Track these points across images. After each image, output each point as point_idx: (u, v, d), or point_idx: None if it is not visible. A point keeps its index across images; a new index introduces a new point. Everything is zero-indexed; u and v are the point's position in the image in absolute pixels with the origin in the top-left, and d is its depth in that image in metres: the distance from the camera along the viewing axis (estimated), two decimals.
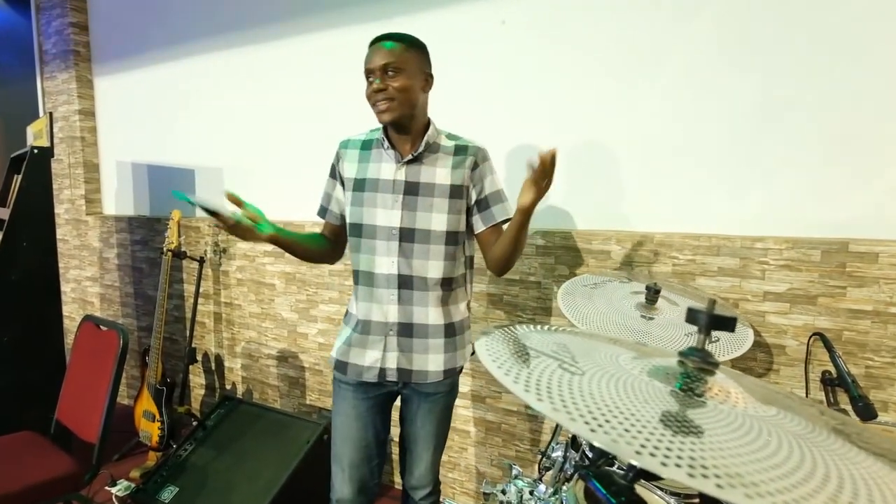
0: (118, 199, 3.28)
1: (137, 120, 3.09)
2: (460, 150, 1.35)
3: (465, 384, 2.12)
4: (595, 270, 1.81)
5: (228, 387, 2.84)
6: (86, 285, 3.42)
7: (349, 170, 1.37)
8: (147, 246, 3.04)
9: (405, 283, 1.33)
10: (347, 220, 1.38)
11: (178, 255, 2.56)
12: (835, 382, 1.40)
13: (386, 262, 1.32)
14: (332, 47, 2.29)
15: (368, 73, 1.26)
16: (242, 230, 1.25)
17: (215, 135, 2.76)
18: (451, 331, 1.38)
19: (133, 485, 2.27)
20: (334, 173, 1.44)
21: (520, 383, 0.45)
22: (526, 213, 1.23)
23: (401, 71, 1.24)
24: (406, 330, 1.34)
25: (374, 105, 1.27)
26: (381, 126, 1.35)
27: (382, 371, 1.35)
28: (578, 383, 0.45)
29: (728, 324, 0.47)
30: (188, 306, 2.90)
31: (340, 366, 1.39)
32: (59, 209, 3.44)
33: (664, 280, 1.68)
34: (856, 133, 1.47)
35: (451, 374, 1.39)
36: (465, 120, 2.02)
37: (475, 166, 1.34)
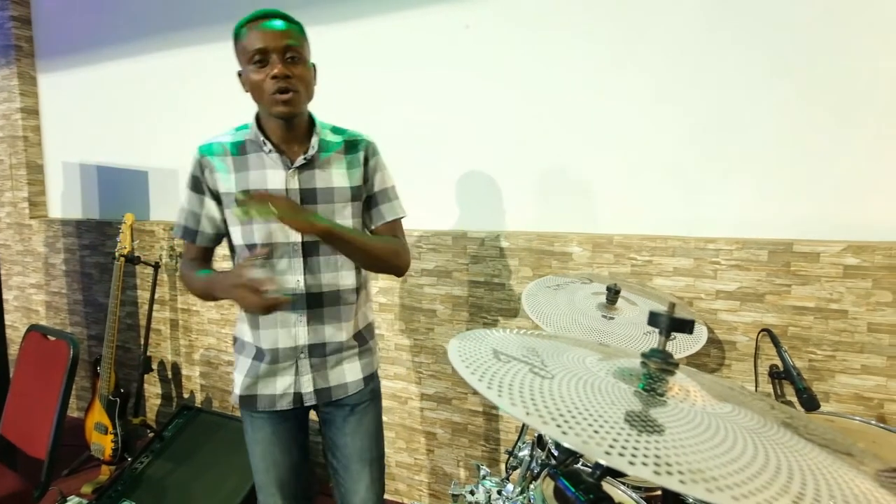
0: (65, 201, 3.12)
1: (85, 119, 2.95)
2: (351, 145, 1.23)
3: (430, 386, 2.13)
4: (558, 272, 1.85)
5: (186, 395, 2.75)
6: (30, 293, 3.24)
7: (225, 182, 1.16)
8: (97, 251, 2.91)
9: (314, 301, 1.20)
10: (235, 241, 1.20)
11: (132, 260, 2.46)
12: (781, 375, 1.49)
13: (290, 281, 1.18)
14: None
15: (260, 53, 1.06)
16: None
17: (170, 135, 2.67)
18: (363, 338, 1.31)
19: (85, 501, 2.17)
20: (199, 187, 1.18)
21: (493, 388, 0.46)
22: (322, 236, 1.11)
23: (300, 58, 1.10)
24: (318, 350, 1.23)
25: (270, 94, 1.08)
26: (247, 124, 1.19)
27: (298, 396, 1.23)
28: (549, 387, 0.46)
29: (686, 326, 0.50)
30: (142, 313, 2.79)
31: (247, 401, 1.23)
32: (1, 213, 3.25)
33: (623, 280, 1.74)
34: (800, 139, 1.56)
35: (371, 380, 1.33)
36: (427, 124, 2.03)
37: (366, 161, 1.24)
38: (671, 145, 1.70)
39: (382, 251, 1.22)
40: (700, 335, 1.38)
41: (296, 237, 1.17)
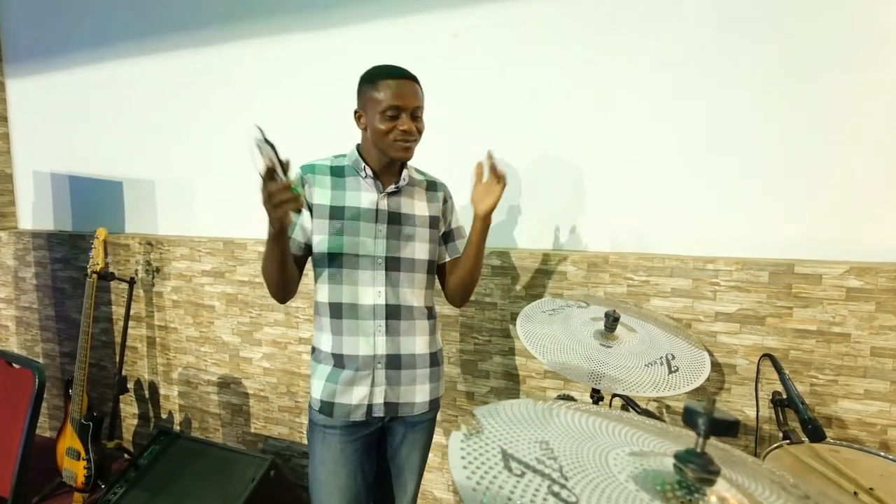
0: (36, 212, 2.99)
1: (56, 126, 2.82)
2: (432, 185, 1.40)
3: None
4: (552, 291, 1.78)
5: (165, 416, 2.64)
6: None
7: (321, 196, 1.28)
8: (69, 265, 2.78)
9: (393, 313, 1.29)
10: (321, 250, 1.28)
11: (105, 276, 2.35)
12: (784, 403, 1.43)
13: (371, 292, 1.28)
14: (271, 56, 2.16)
15: (396, 109, 1.21)
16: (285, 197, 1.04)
17: (146, 145, 2.56)
18: (436, 360, 1.38)
19: None
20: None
21: None
22: (486, 220, 1.32)
23: (421, 115, 1.26)
24: (394, 362, 1.30)
25: (394, 142, 1.23)
26: (345, 154, 1.34)
27: (370, 407, 1.28)
28: None
29: (731, 429, 0.43)
30: (118, 330, 2.67)
31: (326, 408, 1.28)
32: None
33: (620, 301, 1.67)
34: (801, 155, 1.51)
35: (436, 405, 1.39)
36: None
37: (446, 201, 1.41)
38: (668, 161, 1.65)
39: (481, 267, 1.40)
40: (703, 365, 1.32)
41: (380, 251, 1.27)
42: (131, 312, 2.51)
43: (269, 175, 1.00)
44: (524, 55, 1.78)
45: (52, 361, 2.96)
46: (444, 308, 1.95)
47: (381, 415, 1.30)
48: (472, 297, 1.90)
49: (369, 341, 1.28)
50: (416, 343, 1.33)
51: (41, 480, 2.41)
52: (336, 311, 1.29)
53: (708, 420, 0.42)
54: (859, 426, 1.49)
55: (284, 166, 1.01)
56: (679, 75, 1.61)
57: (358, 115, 1.30)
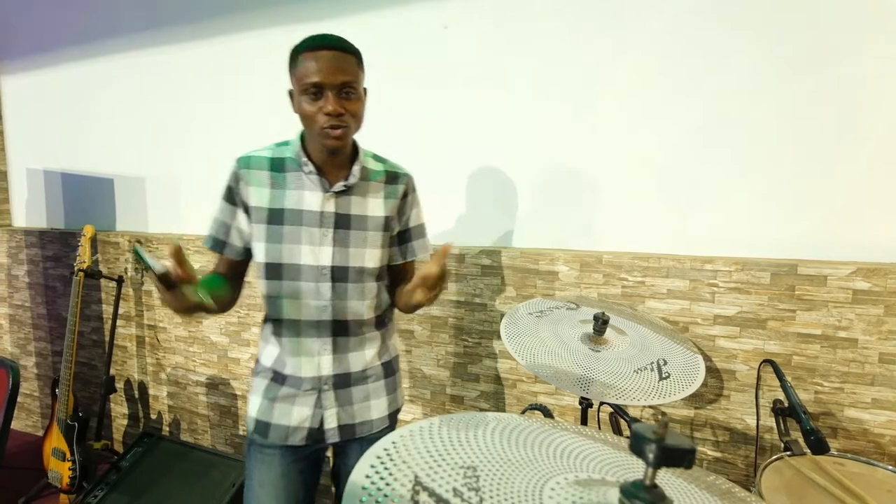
0: (29, 210, 2.96)
1: (50, 123, 2.79)
2: (392, 176, 1.21)
3: (408, 412, 1.98)
4: (543, 291, 1.71)
5: (154, 416, 2.60)
6: None
7: (258, 196, 1.12)
8: (60, 263, 2.75)
9: (340, 329, 1.16)
10: (260, 259, 1.13)
11: (92, 275, 2.31)
12: (786, 413, 1.35)
13: (315, 307, 1.13)
14: (260, 49, 2.11)
15: (316, 86, 1.02)
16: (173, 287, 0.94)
17: (137, 141, 2.52)
18: (391, 369, 1.27)
19: None
20: (233, 198, 1.14)
21: None
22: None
23: (356, 92, 1.06)
24: (343, 381, 1.17)
25: (321, 127, 1.04)
26: (288, 141, 1.16)
27: (315, 432, 1.15)
28: None
29: (684, 459, 0.36)
30: (108, 329, 2.63)
31: (262, 428, 1.16)
32: None
33: (613, 303, 1.60)
34: (805, 150, 1.43)
35: (395, 418, 1.28)
36: (401, 133, 1.89)
37: (406, 195, 1.22)
38: (665, 157, 1.57)
39: None
40: (698, 371, 1.24)
41: (325, 260, 1.12)
42: (120, 311, 2.47)
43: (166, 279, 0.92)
44: (516, 48, 1.71)
45: (44, 360, 2.93)
46: (432, 309, 1.88)
47: (337, 439, 1.17)
48: (462, 298, 1.84)
49: (313, 361, 1.15)
50: (367, 356, 1.20)
51: (29, 480, 2.37)
52: (277, 326, 1.16)
53: (658, 448, 0.35)
54: (866, 437, 1.40)
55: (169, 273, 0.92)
56: (676, 70, 1.53)
57: (290, 97, 1.12)
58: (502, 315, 1.77)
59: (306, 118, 1.06)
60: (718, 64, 1.48)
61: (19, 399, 2.07)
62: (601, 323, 1.28)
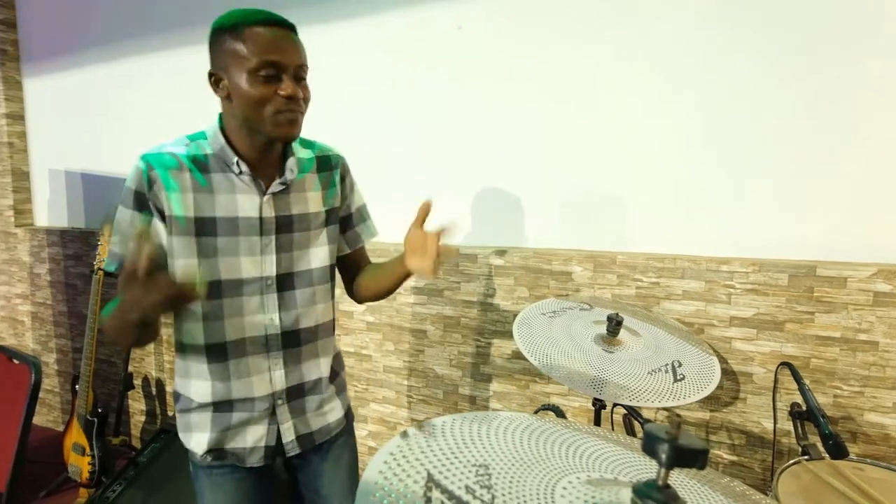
0: (51, 209, 3.02)
1: (71, 125, 2.85)
2: (323, 162, 1.10)
3: (420, 412, 1.99)
4: (556, 292, 1.70)
5: (171, 413, 2.64)
6: (16, 303, 3.15)
7: (180, 204, 0.94)
8: (81, 261, 2.80)
9: (291, 341, 1.05)
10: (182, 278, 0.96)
11: (112, 273, 2.35)
12: (804, 416, 1.33)
13: (261, 322, 1.02)
14: None
15: (273, 67, 0.90)
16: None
17: (155, 142, 2.55)
18: (338, 367, 1.19)
19: None
20: (144, 204, 0.94)
21: None
22: (411, 275, 1.07)
23: (305, 77, 0.97)
24: (297, 392, 1.08)
25: (274, 114, 0.92)
26: (201, 134, 1.01)
27: (273, 449, 1.06)
28: None
29: (697, 460, 0.36)
30: None
31: (215, 454, 1.04)
32: None
33: (627, 305, 1.59)
34: (825, 147, 1.40)
35: (350, 415, 1.21)
36: (416, 134, 1.89)
37: (343, 179, 1.13)
38: (680, 155, 1.55)
39: None
40: (713, 373, 1.23)
41: (270, 270, 1.01)
42: None
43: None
44: (529, 49, 1.70)
45: (64, 357, 2.99)
46: (444, 309, 1.89)
47: (297, 451, 1.09)
48: (474, 298, 1.84)
49: (264, 378, 1.04)
50: (321, 364, 1.12)
51: (49, 474, 2.42)
52: (219, 353, 1.00)
53: (671, 448, 0.35)
54: (887, 442, 1.37)
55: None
56: (692, 69, 1.51)
57: (215, 79, 0.96)
58: (515, 315, 1.76)
59: (255, 102, 0.91)
60: (735, 62, 1.46)
61: (41, 394, 2.12)
62: (615, 324, 1.27)
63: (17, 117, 3.02)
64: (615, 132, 1.62)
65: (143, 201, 0.94)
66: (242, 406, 1.03)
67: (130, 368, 2.53)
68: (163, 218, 0.95)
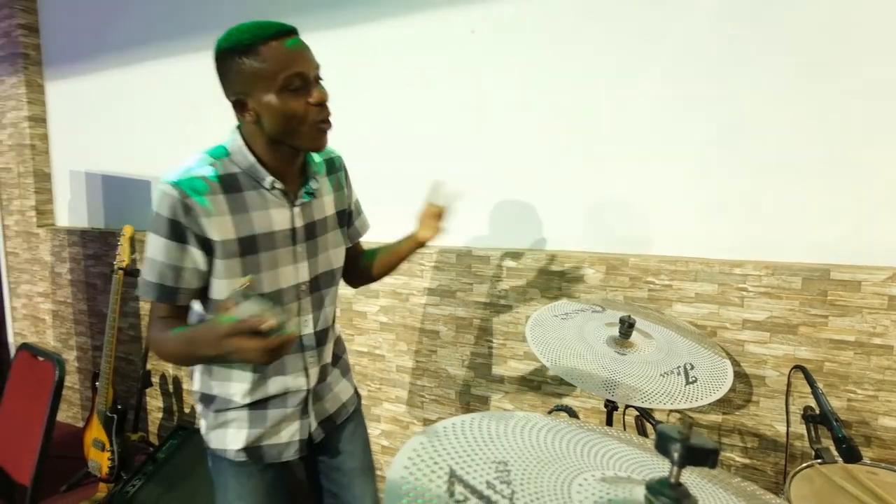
0: (71, 210, 3.09)
1: (92, 127, 2.92)
2: (330, 165, 1.15)
3: (433, 411, 2.01)
4: (568, 294, 1.72)
5: (188, 410, 2.69)
6: (37, 301, 3.22)
7: (221, 228, 0.94)
8: (100, 261, 2.87)
9: (321, 339, 1.12)
10: (217, 296, 0.99)
11: (131, 273, 2.40)
12: (817, 420, 1.33)
13: (296, 324, 1.07)
14: None
15: (300, 79, 0.91)
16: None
17: (174, 144, 2.61)
18: (340, 350, 1.26)
19: None
20: (182, 234, 0.93)
21: None
22: (421, 245, 1.21)
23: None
24: (320, 383, 1.16)
25: (313, 124, 0.94)
26: (220, 149, 1.00)
27: (305, 442, 1.12)
28: None
29: (708, 458, 0.37)
30: (144, 325, 2.73)
31: (252, 453, 1.08)
32: (9, 221, 3.24)
33: (641, 306, 1.59)
34: (838, 150, 1.40)
35: (358, 392, 1.30)
36: (430, 135, 1.91)
37: (346, 178, 1.21)
38: (692, 157, 1.56)
39: None
40: (725, 376, 1.23)
41: (304, 276, 1.07)
42: None
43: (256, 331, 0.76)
44: (541, 51, 1.72)
45: (84, 354, 3.06)
46: (457, 310, 1.91)
47: (323, 436, 1.16)
48: (486, 299, 1.85)
49: (300, 376, 1.09)
50: (332, 350, 1.20)
51: (70, 469, 2.48)
52: None
53: (683, 447, 0.37)
54: None
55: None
56: (703, 67, 1.51)
57: (241, 104, 0.95)
58: (527, 317, 1.78)
59: (290, 118, 0.92)
60: (748, 65, 1.46)
61: None
62: (627, 326, 1.28)
63: (39, 120, 3.09)
64: (628, 135, 1.63)
65: (180, 230, 0.93)
66: (276, 403, 1.08)
67: (148, 366, 2.58)
68: (201, 244, 0.95)
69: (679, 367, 1.22)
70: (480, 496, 0.38)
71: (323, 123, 0.96)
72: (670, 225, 1.60)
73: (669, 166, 1.58)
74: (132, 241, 2.42)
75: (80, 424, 3.10)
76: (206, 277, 0.98)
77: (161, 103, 2.61)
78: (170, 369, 2.72)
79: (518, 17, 1.73)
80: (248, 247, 0.98)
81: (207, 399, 1.10)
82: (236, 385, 1.05)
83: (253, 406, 1.07)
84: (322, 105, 0.94)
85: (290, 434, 1.10)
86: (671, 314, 1.58)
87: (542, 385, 1.80)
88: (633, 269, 1.62)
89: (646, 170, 1.61)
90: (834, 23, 1.37)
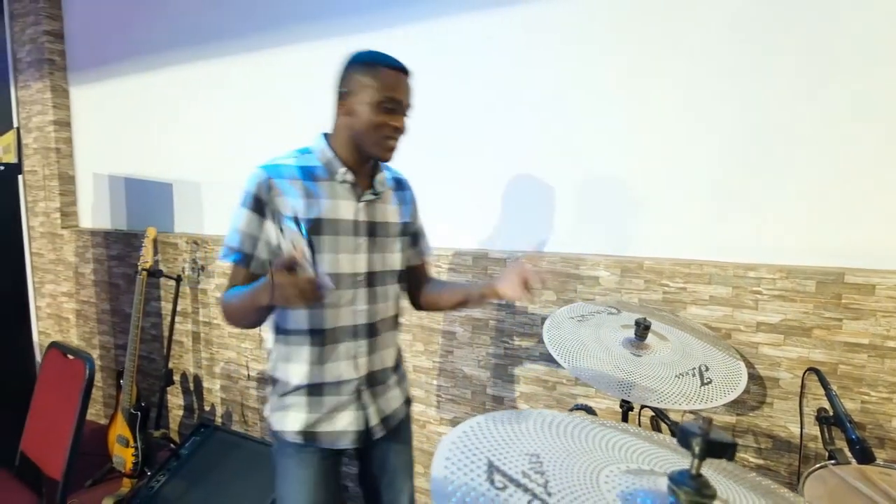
0: (95, 212, 3.17)
1: (114, 131, 3.00)
2: (399, 183, 1.32)
3: (449, 411, 2.05)
4: (583, 296, 1.75)
5: (207, 408, 2.75)
6: (61, 301, 3.31)
7: (293, 206, 1.11)
8: (123, 262, 2.94)
9: (373, 331, 1.22)
10: None
11: (154, 273, 2.47)
12: (830, 421, 1.35)
13: (351, 312, 1.18)
14: (314, 59, 2.21)
15: (394, 103, 1.10)
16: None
17: (194, 148, 2.67)
18: (399, 360, 1.37)
19: None
20: (262, 208, 1.11)
21: None
22: (496, 298, 1.19)
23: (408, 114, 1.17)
24: (374, 378, 1.24)
25: (382, 139, 1.12)
26: (308, 148, 1.19)
27: (362, 433, 1.21)
28: None
29: (726, 451, 0.41)
30: (166, 325, 2.80)
31: (308, 437, 1.18)
32: (34, 222, 3.34)
33: (655, 309, 1.62)
34: (852, 154, 1.42)
35: (409, 400, 1.39)
36: (447, 139, 1.95)
37: (413, 200, 1.35)
38: (707, 161, 1.58)
39: None
40: (740, 377, 1.26)
41: (362, 267, 1.18)
42: (178, 308, 2.63)
43: (291, 266, 0.94)
44: (556, 55, 1.75)
45: (107, 353, 3.14)
46: (473, 311, 1.94)
47: (383, 433, 1.25)
48: (502, 301, 1.89)
49: (351, 364, 1.19)
50: (391, 354, 1.29)
51: (94, 465, 2.55)
52: (319, 338, 1.16)
53: (704, 441, 0.40)
54: None
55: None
56: (717, 71, 1.54)
57: (344, 97, 1.13)
58: (542, 319, 1.81)
59: (371, 125, 1.10)
60: (761, 68, 1.49)
61: None
62: (643, 328, 1.31)
63: (64, 124, 3.17)
64: (642, 139, 1.65)
65: (261, 204, 1.11)
66: (331, 389, 1.18)
67: (170, 365, 2.64)
68: (277, 219, 1.12)
69: (694, 368, 1.25)
70: (518, 484, 0.42)
71: (392, 140, 1.13)
72: (685, 228, 1.63)
73: (685, 170, 1.61)
74: (155, 242, 2.49)
75: (103, 421, 3.18)
76: (277, 252, 1.12)
77: (182, 108, 2.68)
78: (190, 368, 2.78)
79: (534, 21, 1.76)
80: (315, 228, 1.12)
81: (273, 381, 1.22)
82: (294, 366, 1.17)
83: (310, 391, 1.18)
84: (398, 130, 1.13)
85: (344, 423, 1.19)
86: (686, 316, 1.60)
87: (557, 385, 1.83)
88: (647, 272, 1.65)
89: (661, 175, 1.64)
90: (848, 28, 1.39)
